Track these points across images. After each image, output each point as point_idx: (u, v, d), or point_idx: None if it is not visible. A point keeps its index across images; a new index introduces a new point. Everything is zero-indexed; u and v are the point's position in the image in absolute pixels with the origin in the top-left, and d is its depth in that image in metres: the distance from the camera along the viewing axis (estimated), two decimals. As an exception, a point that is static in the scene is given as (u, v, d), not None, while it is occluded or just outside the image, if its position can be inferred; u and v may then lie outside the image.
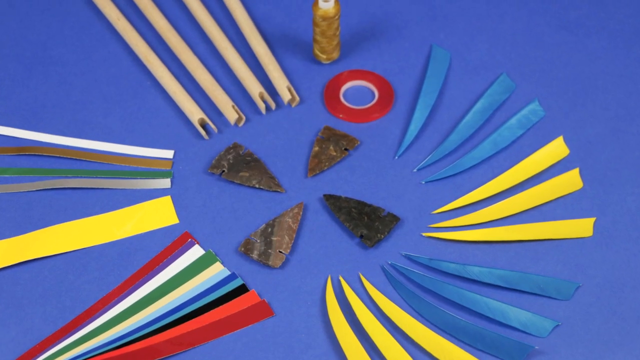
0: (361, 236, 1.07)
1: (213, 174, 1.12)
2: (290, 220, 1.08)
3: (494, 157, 1.13)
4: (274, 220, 1.08)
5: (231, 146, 1.14)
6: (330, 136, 1.15)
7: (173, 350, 1.01)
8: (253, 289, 1.04)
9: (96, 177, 1.12)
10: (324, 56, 1.20)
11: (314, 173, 1.12)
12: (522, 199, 1.09)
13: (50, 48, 1.23)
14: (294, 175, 1.12)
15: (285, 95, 1.17)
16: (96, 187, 1.11)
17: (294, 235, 1.07)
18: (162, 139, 1.15)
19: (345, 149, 1.14)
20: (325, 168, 1.13)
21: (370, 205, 1.09)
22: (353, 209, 1.09)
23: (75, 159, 1.13)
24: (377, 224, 1.08)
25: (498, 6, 1.26)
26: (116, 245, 1.08)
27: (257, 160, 1.13)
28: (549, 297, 1.03)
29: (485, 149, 1.13)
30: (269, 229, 1.08)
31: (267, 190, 1.11)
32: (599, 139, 1.14)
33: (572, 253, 1.06)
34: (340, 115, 1.17)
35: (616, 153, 1.13)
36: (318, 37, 1.18)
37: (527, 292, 1.04)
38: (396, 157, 1.14)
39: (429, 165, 1.13)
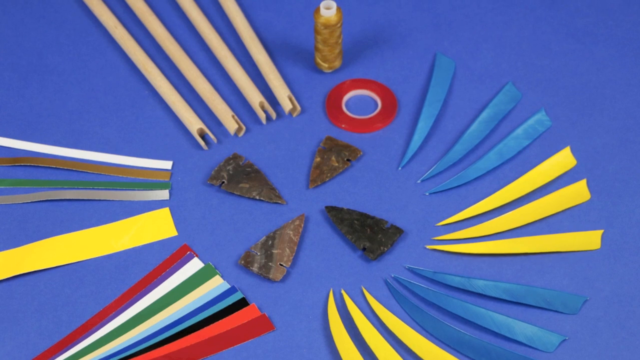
0: (364, 249, 1.08)
1: (212, 185, 1.13)
2: (291, 232, 1.09)
3: (499, 168, 1.14)
4: (274, 233, 1.09)
5: (231, 157, 1.15)
6: (332, 147, 1.15)
7: (171, 366, 1.01)
8: (253, 303, 1.05)
9: (93, 189, 1.13)
10: (326, 65, 1.21)
11: (316, 184, 1.13)
12: (528, 210, 1.10)
13: (46, 56, 1.24)
14: (295, 187, 1.13)
15: (286, 105, 1.18)
16: (93, 199, 1.12)
17: (295, 248, 1.08)
18: (160, 150, 1.16)
19: (348, 160, 1.15)
20: (327, 179, 1.13)
21: (373, 217, 1.10)
22: (355, 221, 1.10)
23: (72, 170, 1.14)
24: (380, 236, 1.08)
25: (504, 13, 1.27)
26: (113, 258, 1.08)
27: (257, 171, 1.14)
28: (556, 311, 1.04)
29: (490, 159, 1.14)
30: (270, 242, 1.08)
31: (267, 202, 1.12)
32: (607, 150, 1.15)
33: (580, 266, 1.07)
34: (343, 125, 1.17)
35: (624, 164, 1.14)
36: (320, 45, 1.19)
37: (533, 306, 1.04)
38: (399, 168, 1.14)
39: (433, 177, 1.14)
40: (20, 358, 1.02)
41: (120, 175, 1.14)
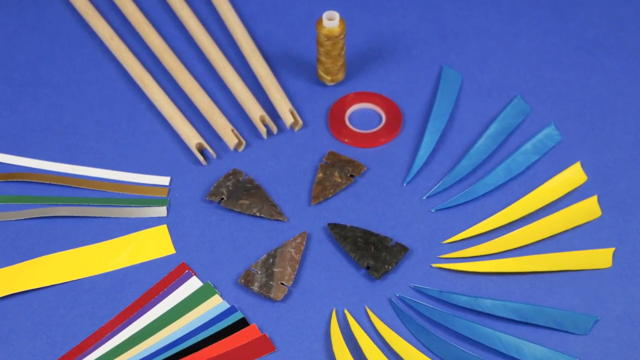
0: (368, 267, 1.09)
1: (211, 201, 1.14)
2: (292, 250, 1.10)
3: (507, 184, 1.15)
4: (275, 251, 1.10)
5: (230, 172, 1.16)
6: (335, 162, 1.16)
7: (169, 388, 1.02)
8: (254, 323, 1.06)
9: (88, 205, 1.13)
10: (329, 77, 1.22)
11: (318, 201, 1.14)
12: (538, 228, 1.11)
13: (40, 69, 1.24)
14: (297, 203, 1.14)
15: (288, 119, 1.19)
16: (88, 216, 1.13)
17: (297, 267, 1.09)
18: (158, 165, 1.17)
19: (351, 176, 1.15)
20: (330, 195, 1.14)
21: (377, 235, 1.11)
22: (359, 239, 1.10)
23: (67, 186, 1.15)
24: (384, 254, 1.09)
25: (512, 25, 1.28)
26: (109, 276, 1.09)
27: (257, 187, 1.14)
28: (566, 332, 1.04)
29: (498, 175, 1.15)
30: (271, 260, 1.09)
31: (268, 219, 1.13)
32: (619, 165, 1.16)
33: (590, 285, 1.08)
34: (346, 140, 1.18)
35: (636, 180, 1.14)
36: (322, 58, 1.19)
37: (542, 327, 1.05)
38: (404, 184, 1.15)
39: (439, 193, 1.14)
40: (13, 380, 1.03)
41: (117, 192, 1.14)
